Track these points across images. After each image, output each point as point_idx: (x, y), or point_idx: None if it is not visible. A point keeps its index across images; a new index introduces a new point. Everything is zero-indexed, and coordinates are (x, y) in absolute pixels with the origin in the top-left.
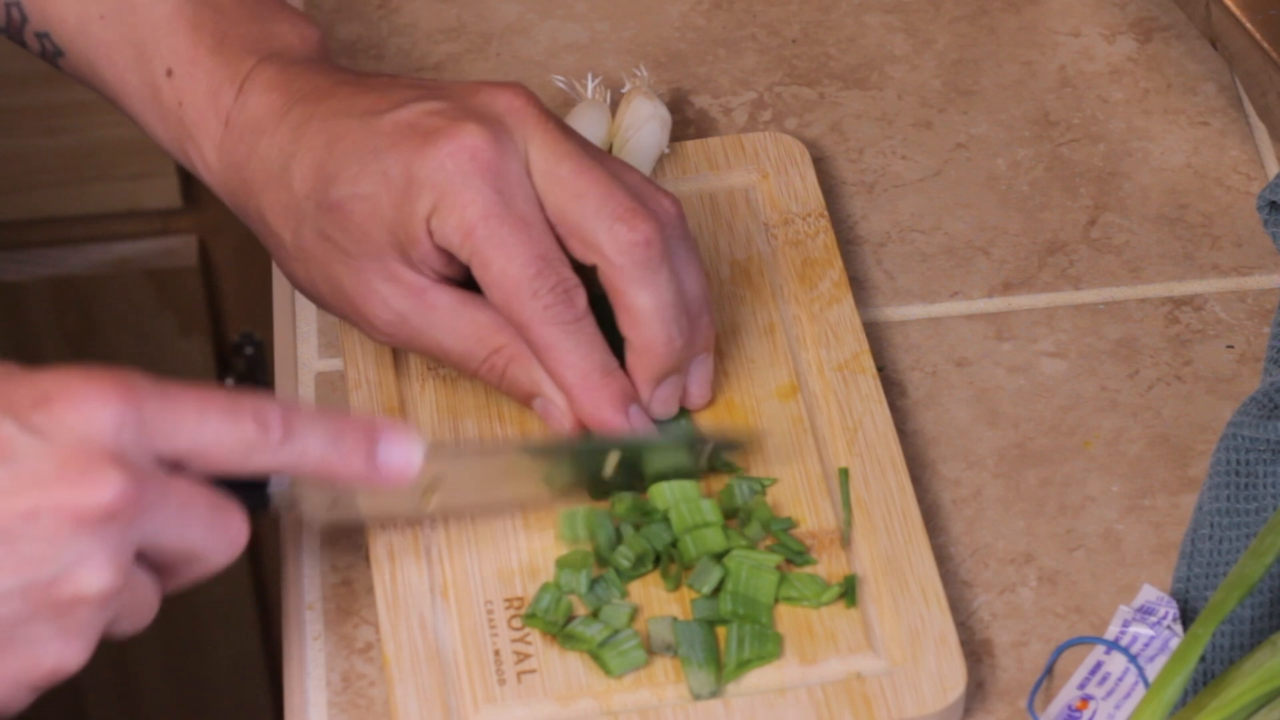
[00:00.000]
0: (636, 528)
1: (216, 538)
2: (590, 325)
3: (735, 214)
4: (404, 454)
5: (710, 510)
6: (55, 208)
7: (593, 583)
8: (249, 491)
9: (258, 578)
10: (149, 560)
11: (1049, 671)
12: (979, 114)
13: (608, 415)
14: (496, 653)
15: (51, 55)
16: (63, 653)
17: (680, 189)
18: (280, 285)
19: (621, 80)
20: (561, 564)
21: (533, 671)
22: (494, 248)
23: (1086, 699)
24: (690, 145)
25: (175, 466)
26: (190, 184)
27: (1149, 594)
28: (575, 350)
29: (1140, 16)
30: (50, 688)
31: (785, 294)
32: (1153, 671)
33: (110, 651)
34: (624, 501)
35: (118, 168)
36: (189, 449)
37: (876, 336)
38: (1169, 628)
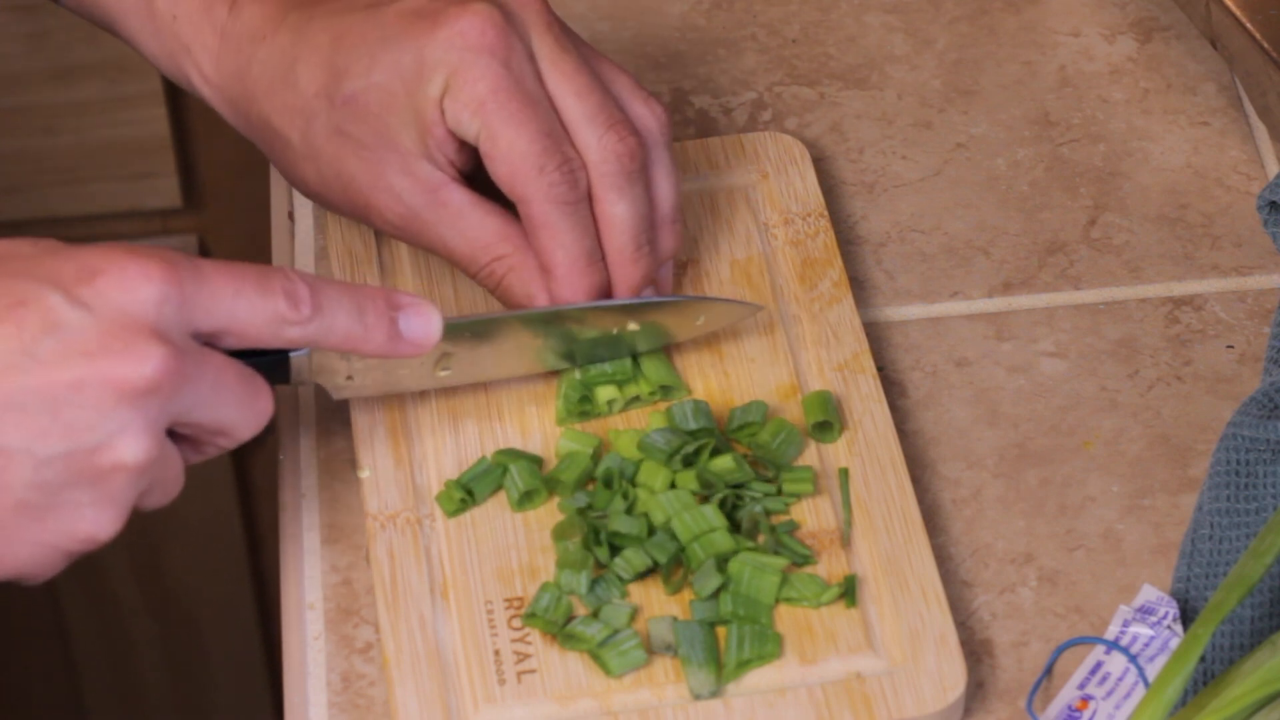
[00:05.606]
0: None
1: (246, 411)
2: (586, 211)
3: (735, 214)
4: (424, 325)
5: (713, 515)
6: (55, 208)
7: (593, 583)
8: (270, 366)
9: (258, 578)
10: (180, 434)
11: (1049, 671)
12: (979, 114)
13: (581, 303)
14: (496, 653)
15: None
16: (98, 520)
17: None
18: None
19: None
20: (561, 564)
21: (533, 671)
22: (503, 121)
23: (1086, 699)
24: (690, 145)
25: (207, 342)
26: (190, 184)
27: (1149, 594)
28: (570, 232)
29: (1140, 16)
30: (82, 555)
31: (785, 294)
32: (1153, 671)
33: (111, 651)
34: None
35: (118, 168)
36: (224, 324)
37: (876, 336)
38: (1169, 628)
